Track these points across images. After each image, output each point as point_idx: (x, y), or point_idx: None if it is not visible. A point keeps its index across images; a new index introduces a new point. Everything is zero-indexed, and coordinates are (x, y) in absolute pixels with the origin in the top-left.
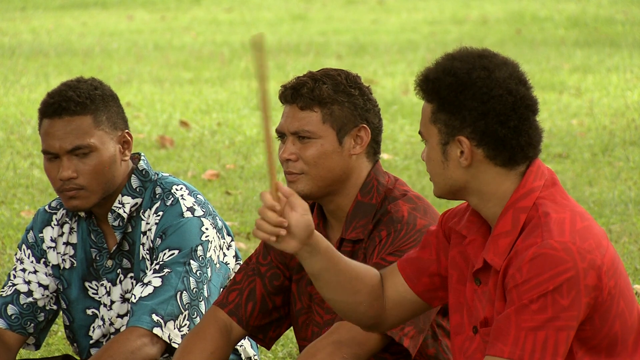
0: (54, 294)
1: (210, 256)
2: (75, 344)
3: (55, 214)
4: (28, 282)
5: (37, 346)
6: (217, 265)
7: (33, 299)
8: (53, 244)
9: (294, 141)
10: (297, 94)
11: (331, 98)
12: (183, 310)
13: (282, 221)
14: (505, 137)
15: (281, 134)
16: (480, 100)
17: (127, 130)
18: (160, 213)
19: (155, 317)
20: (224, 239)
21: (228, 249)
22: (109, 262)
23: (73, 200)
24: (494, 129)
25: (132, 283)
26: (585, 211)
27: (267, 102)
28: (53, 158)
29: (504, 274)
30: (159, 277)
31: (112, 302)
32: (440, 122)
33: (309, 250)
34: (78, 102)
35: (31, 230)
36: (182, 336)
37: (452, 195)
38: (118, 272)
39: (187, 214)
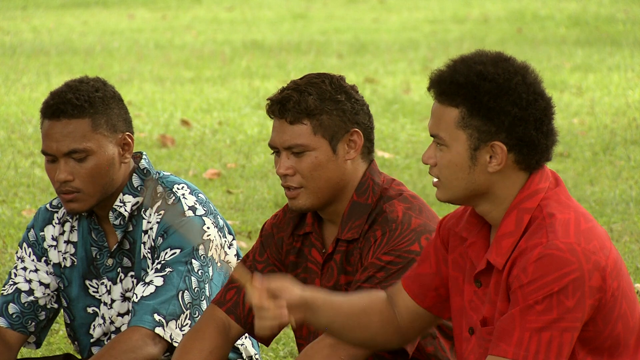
0: (55, 292)
1: (212, 255)
2: (76, 342)
3: (57, 212)
4: (29, 281)
5: (38, 345)
6: (219, 264)
7: (34, 297)
8: (54, 243)
9: (288, 155)
10: (284, 108)
11: (319, 108)
12: (185, 310)
13: (280, 313)
14: (538, 141)
15: (275, 149)
16: (520, 106)
17: (127, 133)
18: (162, 212)
19: (157, 317)
20: (225, 237)
21: (229, 248)
22: (110, 261)
23: (71, 204)
24: (530, 134)
25: (132, 282)
26: (587, 212)
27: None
28: (52, 159)
29: (508, 273)
30: (161, 276)
31: (113, 301)
32: (471, 127)
33: (310, 313)
34: (76, 106)
35: (32, 229)
36: (184, 335)
37: (464, 201)
38: (118, 270)
39: (189, 213)
